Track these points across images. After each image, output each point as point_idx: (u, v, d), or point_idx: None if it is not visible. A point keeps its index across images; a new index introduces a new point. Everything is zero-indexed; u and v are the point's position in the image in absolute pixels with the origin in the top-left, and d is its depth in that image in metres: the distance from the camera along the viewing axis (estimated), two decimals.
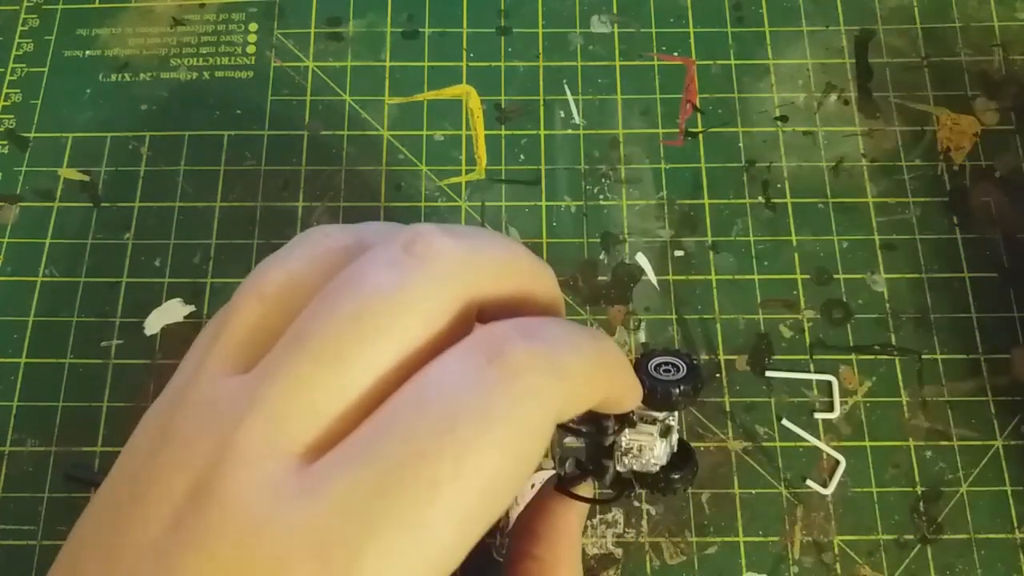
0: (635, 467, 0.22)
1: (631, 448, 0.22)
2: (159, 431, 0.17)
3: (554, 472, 0.23)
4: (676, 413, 0.22)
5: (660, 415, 0.22)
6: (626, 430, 0.21)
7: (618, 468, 0.22)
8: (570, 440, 0.23)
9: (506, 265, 0.18)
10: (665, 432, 0.22)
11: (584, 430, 0.22)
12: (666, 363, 0.22)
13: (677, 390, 0.21)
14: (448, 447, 0.14)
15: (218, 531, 0.14)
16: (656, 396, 0.21)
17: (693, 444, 0.29)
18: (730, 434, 0.30)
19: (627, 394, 0.20)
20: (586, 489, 0.23)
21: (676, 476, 0.22)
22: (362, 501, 0.14)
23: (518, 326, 0.16)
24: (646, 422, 0.22)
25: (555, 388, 0.16)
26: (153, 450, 0.16)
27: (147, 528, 0.15)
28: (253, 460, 0.15)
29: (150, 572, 0.14)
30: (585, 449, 0.23)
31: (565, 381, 0.16)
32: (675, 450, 0.23)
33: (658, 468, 0.22)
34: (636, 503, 0.29)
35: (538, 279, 0.19)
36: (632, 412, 0.22)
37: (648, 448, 0.22)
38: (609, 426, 0.22)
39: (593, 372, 0.17)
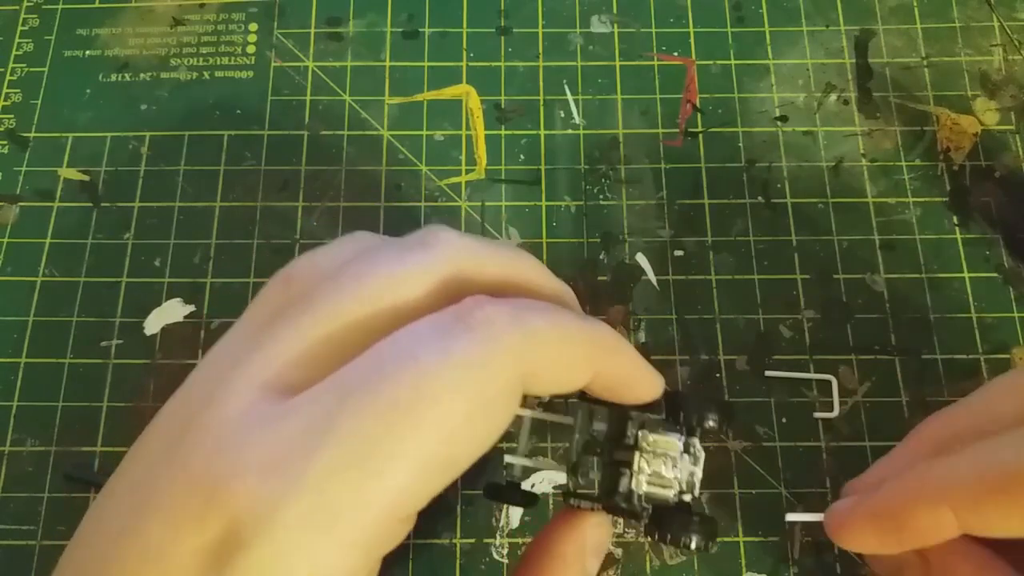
0: (649, 487, 0.20)
1: (650, 452, 0.20)
2: (182, 389, 0.19)
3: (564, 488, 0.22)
4: (700, 447, 0.20)
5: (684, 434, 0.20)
6: (648, 432, 0.20)
7: (632, 487, 0.20)
8: (588, 458, 0.21)
9: (503, 256, 0.19)
10: (688, 448, 0.20)
11: (607, 408, 0.21)
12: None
13: (711, 418, 0.20)
14: (408, 373, 0.15)
15: (197, 449, 0.16)
16: (687, 407, 0.20)
17: None
18: (730, 434, 0.30)
19: (638, 379, 0.20)
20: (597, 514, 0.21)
21: (694, 518, 0.20)
22: (322, 420, 0.15)
23: (493, 296, 0.17)
24: (670, 432, 0.20)
25: (518, 341, 0.16)
26: (168, 408, 0.18)
27: (144, 461, 0.17)
28: (240, 392, 0.16)
29: (137, 495, 0.16)
30: (600, 454, 0.21)
31: (531, 338, 0.17)
32: (697, 488, 0.20)
33: (674, 496, 0.20)
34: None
35: (534, 272, 0.20)
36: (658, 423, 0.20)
37: (669, 460, 0.20)
38: (632, 415, 0.20)
39: (572, 338, 0.18)
